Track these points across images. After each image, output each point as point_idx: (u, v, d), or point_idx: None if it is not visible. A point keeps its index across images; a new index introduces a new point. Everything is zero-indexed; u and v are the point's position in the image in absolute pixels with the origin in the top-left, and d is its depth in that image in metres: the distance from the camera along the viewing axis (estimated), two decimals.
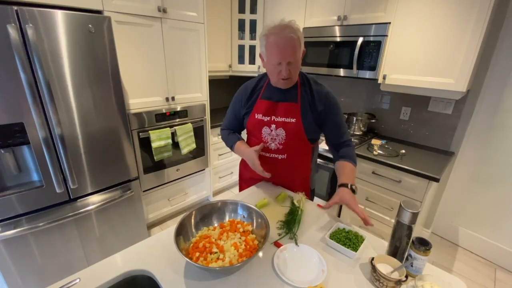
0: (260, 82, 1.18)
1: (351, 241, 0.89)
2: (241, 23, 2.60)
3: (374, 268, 0.74)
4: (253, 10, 2.57)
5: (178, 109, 2.13)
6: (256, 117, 1.15)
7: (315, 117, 1.10)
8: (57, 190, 1.45)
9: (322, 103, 1.09)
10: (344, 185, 1.02)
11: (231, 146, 1.26)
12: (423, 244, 0.75)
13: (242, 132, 1.34)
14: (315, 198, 2.22)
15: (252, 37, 2.67)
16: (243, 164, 1.38)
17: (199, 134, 2.31)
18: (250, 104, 1.17)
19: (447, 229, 2.22)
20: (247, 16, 2.58)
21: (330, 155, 2.04)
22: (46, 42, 1.28)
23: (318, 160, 2.10)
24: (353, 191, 1.01)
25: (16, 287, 1.47)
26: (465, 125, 1.94)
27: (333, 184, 2.10)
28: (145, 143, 1.97)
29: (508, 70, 1.73)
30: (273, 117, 1.12)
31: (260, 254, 0.85)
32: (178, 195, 2.39)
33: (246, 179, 1.38)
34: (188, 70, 2.12)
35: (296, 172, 1.24)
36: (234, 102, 1.25)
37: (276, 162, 1.18)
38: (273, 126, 1.13)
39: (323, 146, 2.07)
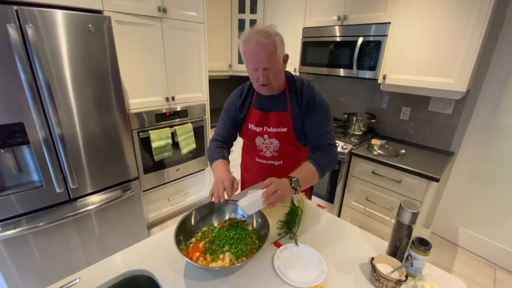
0: (250, 87, 1.16)
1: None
2: (241, 23, 2.60)
3: (374, 268, 0.74)
4: (253, 10, 2.57)
5: (178, 109, 2.13)
6: (249, 127, 1.15)
7: (303, 122, 1.09)
8: (57, 190, 1.45)
9: (307, 103, 1.06)
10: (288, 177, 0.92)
11: (211, 161, 1.10)
12: (423, 244, 0.75)
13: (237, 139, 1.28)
14: (316, 198, 2.23)
15: None
16: (244, 167, 1.37)
17: (199, 134, 2.31)
18: (245, 113, 1.15)
19: (447, 229, 2.22)
20: (247, 16, 2.58)
21: None
22: (46, 42, 1.28)
23: None
24: (293, 184, 0.88)
25: (16, 287, 1.47)
26: (465, 125, 1.93)
27: (333, 184, 2.10)
28: (145, 143, 1.97)
29: (508, 70, 1.73)
30: (265, 127, 1.12)
31: (260, 254, 0.85)
32: (178, 195, 2.39)
33: (250, 182, 1.34)
34: (188, 70, 2.12)
35: None
36: (227, 108, 1.20)
37: (273, 168, 1.19)
38: (266, 136, 1.13)
39: None
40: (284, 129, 1.10)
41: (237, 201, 0.96)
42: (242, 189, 1.44)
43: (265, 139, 1.14)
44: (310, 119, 1.07)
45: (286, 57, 1.02)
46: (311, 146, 1.12)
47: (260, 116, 1.12)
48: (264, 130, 1.12)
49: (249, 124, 1.15)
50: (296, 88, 1.08)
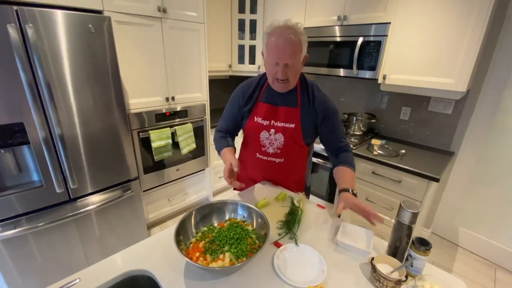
0: (260, 81, 1.16)
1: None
2: (241, 23, 2.60)
3: (374, 268, 0.74)
4: (253, 10, 2.57)
5: (178, 109, 2.13)
6: (255, 120, 1.14)
7: (313, 123, 1.11)
8: (57, 190, 1.45)
9: (321, 110, 1.08)
10: (345, 190, 1.01)
11: (219, 150, 1.19)
12: (423, 244, 0.75)
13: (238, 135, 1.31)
14: (316, 198, 2.23)
15: (252, 37, 2.67)
16: (241, 162, 1.38)
17: (199, 134, 2.31)
18: (251, 105, 1.14)
19: (447, 229, 2.22)
20: (247, 16, 2.58)
21: None
22: (46, 42, 1.28)
23: (318, 160, 2.10)
24: (355, 195, 1.00)
25: (16, 287, 1.47)
26: (465, 125, 1.94)
27: (333, 184, 2.10)
28: (145, 143, 1.97)
29: (508, 70, 1.73)
30: (272, 121, 1.12)
31: (260, 254, 0.85)
32: (178, 195, 2.39)
33: (244, 178, 1.37)
34: (188, 70, 2.12)
35: (292, 174, 1.26)
36: (232, 101, 1.20)
37: (273, 165, 1.20)
38: (272, 130, 1.12)
39: (322, 145, 2.08)
40: (292, 125, 1.10)
41: (238, 202, 0.98)
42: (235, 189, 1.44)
43: (270, 134, 1.13)
44: (328, 127, 1.12)
45: (305, 58, 1.03)
46: (332, 148, 1.18)
47: (268, 110, 1.12)
48: (272, 124, 1.12)
49: (255, 117, 1.14)
50: (307, 88, 1.10)
